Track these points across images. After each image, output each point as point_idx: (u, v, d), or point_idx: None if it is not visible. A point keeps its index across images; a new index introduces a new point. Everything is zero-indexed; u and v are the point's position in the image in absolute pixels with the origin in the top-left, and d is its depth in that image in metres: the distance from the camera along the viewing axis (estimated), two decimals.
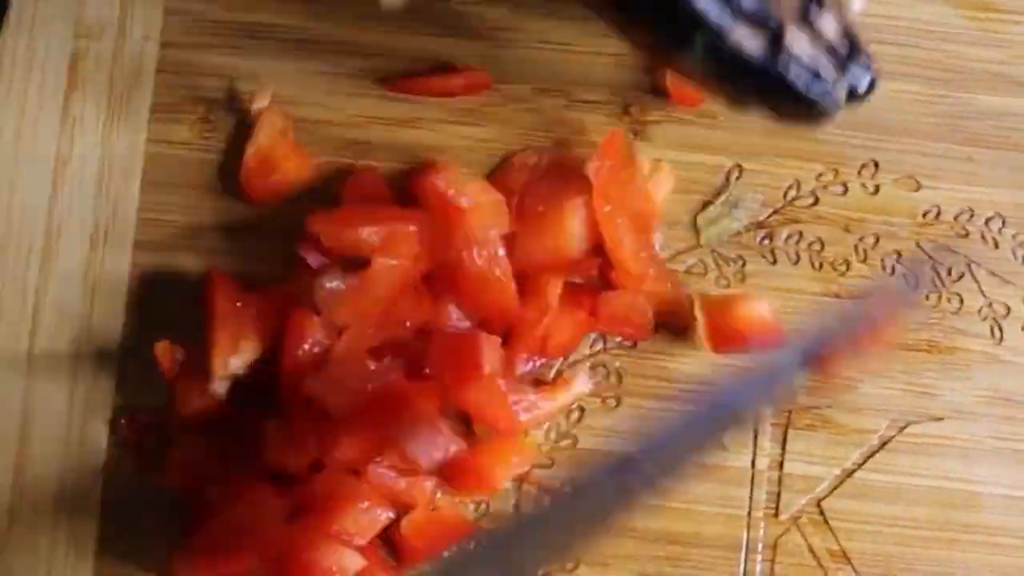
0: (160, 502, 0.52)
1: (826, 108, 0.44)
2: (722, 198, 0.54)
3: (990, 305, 0.54)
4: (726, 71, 0.44)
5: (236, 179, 0.54)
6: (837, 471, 0.53)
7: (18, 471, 0.52)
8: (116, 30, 0.56)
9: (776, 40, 0.43)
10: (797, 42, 0.43)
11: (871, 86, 0.45)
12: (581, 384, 0.53)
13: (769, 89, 0.44)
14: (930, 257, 0.54)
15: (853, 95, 0.45)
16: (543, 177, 0.54)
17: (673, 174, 0.54)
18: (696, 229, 0.54)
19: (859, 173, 0.55)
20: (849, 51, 0.44)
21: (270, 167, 0.54)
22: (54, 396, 0.53)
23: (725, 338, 0.52)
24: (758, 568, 0.53)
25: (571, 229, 0.53)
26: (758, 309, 0.52)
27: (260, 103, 0.55)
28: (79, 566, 0.52)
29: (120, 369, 0.53)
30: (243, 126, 0.55)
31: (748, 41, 0.43)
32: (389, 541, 0.52)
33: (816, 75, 0.44)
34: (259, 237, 0.54)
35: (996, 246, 0.55)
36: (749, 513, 0.53)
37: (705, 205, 0.55)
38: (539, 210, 0.53)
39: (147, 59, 0.55)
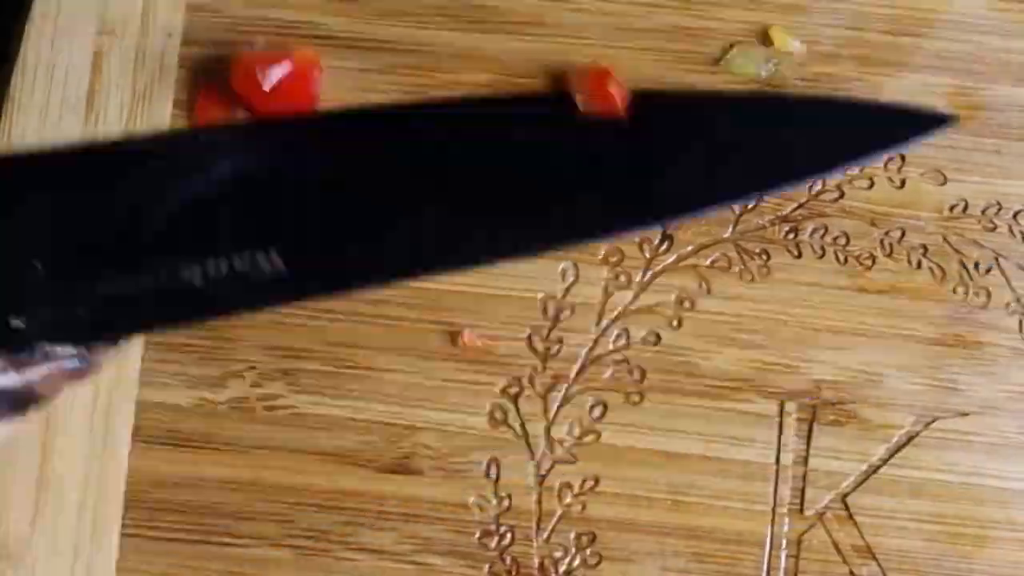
0: (184, 499, 0.53)
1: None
2: None
3: (1018, 300, 0.54)
4: None
5: None
6: (863, 467, 0.53)
7: (43, 464, 0.53)
8: (139, 27, 0.56)
9: None
10: None
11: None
12: None
13: None
14: (956, 251, 0.54)
15: None
16: None
17: None
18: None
19: (885, 167, 0.54)
20: None
21: None
22: (79, 388, 0.53)
23: None
24: (782, 564, 0.53)
25: None
26: None
27: None
28: (101, 559, 0.52)
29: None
30: None
31: None
32: None
33: None
34: None
35: None
36: (774, 509, 0.53)
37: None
38: None
39: (169, 55, 0.56)
